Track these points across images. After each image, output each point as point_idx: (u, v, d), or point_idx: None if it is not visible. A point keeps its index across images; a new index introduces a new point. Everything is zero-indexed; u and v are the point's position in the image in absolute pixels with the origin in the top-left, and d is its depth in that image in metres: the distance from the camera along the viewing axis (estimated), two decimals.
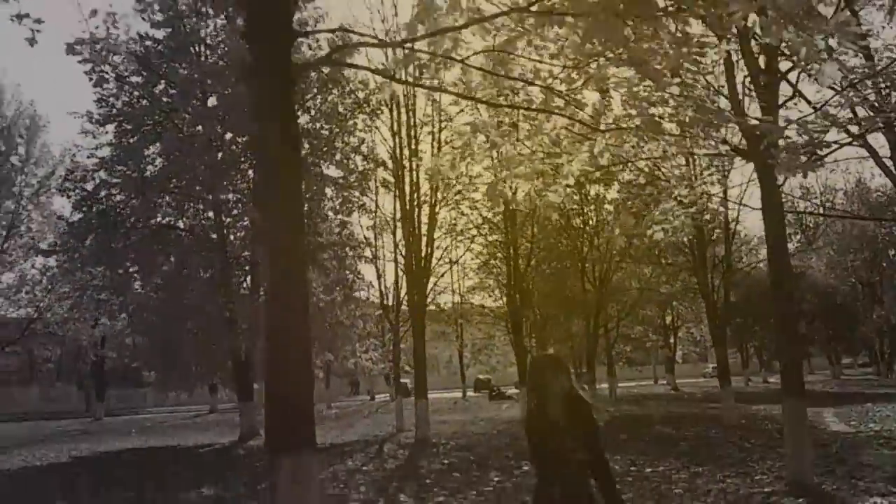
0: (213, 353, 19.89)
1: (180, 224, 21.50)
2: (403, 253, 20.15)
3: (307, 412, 5.35)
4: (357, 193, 23.24)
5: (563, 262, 28.50)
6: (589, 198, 27.21)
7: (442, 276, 25.65)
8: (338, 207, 23.15)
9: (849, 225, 38.25)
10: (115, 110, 20.69)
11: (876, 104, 11.76)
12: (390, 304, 24.60)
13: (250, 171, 21.94)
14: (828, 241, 39.19)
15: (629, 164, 13.24)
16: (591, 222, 27.78)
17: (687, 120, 5.93)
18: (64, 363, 45.75)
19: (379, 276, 24.02)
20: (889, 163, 13.02)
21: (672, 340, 44.78)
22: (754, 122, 7.83)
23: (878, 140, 13.40)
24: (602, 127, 6.45)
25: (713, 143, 9.17)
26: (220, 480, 12.95)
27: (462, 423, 24.30)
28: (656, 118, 6.06)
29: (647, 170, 13.72)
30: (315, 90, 22.11)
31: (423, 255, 19.57)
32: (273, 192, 5.62)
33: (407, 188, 19.30)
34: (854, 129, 11.45)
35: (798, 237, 47.74)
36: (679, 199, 10.04)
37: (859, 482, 9.62)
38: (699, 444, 14.57)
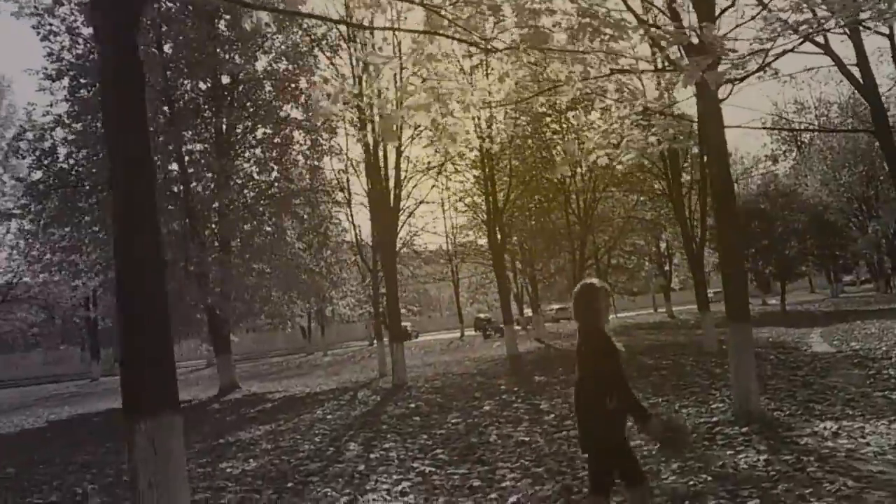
0: (183, 307, 19.56)
1: None
2: (368, 193, 19.62)
3: (166, 369, 4.96)
4: (326, 136, 22.59)
5: (546, 195, 27.92)
6: (569, 126, 26.40)
7: (411, 215, 24.93)
8: (307, 152, 22.55)
9: (843, 140, 37.41)
10: (67, 64, 19.94)
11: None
12: (368, 246, 24.18)
13: (214, 119, 21.39)
14: (822, 156, 38.31)
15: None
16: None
17: (575, 27, 5.36)
18: (68, 325, 45.74)
19: (352, 220, 23.35)
20: (856, 70, 12.35)
21: (667, 268, 44.33)
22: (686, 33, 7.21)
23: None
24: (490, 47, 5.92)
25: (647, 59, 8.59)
26: None
27: (448, 363, 24.15)
28: (544, 29, 5.51)
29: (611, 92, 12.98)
30: (273, 29, 21.32)
31: (391, 195, 19.08)
32: (117, 136, 5.15)
33: (369, 127, 18.67)
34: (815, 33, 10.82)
35: (793, 154, 46.93)
36: (620, 119, 9.47)
37: (817, 405, 9.29)
38: (670, 374, 14.27)
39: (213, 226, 20.81)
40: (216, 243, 20.79)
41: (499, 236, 24.42)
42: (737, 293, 8.67)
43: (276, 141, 21.96)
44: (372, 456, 9.19)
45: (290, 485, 8.10)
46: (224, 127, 21.16)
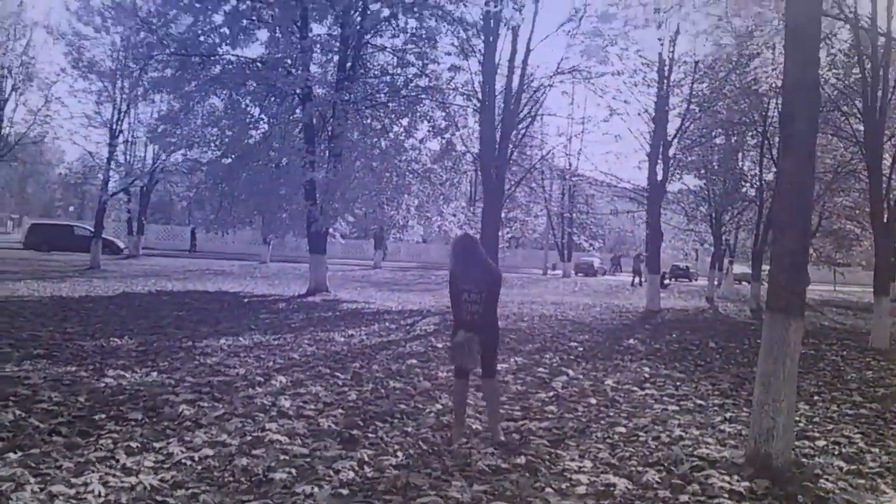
0: (277, 196, 18.12)
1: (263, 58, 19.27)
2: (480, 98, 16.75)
3: None
4: (472, 33, 19.72)
5: (738, 131, 23.35)
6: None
7: (530, 124, 21.06)
8: (451, 50, 19.81)
9: None
10: None
11: None
12: None
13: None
14: None
15: None
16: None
17: None
18: None
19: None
20: None
21: None
22: None
23: None
24: None
25: None
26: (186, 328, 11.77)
27: (572, 307, 20.83)
28: None
29: None
30: None
31: (510, 104, 16.22)
32: None
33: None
34: None
35: None
36: None
37: None
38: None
39: (329, 119, 18.95)
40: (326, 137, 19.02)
41: (659, 174, 20.56)
42: (789, 268, 5.12)
43: (418, 32, 19.52)
44: (261, 402, 6.88)
45: (114, 412, 6.09)
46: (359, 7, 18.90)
